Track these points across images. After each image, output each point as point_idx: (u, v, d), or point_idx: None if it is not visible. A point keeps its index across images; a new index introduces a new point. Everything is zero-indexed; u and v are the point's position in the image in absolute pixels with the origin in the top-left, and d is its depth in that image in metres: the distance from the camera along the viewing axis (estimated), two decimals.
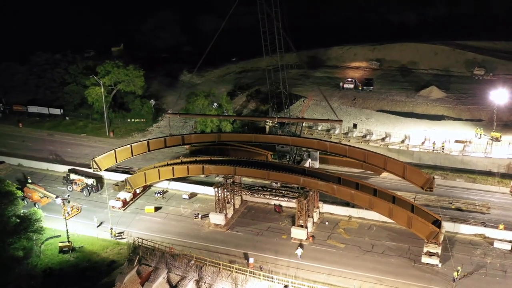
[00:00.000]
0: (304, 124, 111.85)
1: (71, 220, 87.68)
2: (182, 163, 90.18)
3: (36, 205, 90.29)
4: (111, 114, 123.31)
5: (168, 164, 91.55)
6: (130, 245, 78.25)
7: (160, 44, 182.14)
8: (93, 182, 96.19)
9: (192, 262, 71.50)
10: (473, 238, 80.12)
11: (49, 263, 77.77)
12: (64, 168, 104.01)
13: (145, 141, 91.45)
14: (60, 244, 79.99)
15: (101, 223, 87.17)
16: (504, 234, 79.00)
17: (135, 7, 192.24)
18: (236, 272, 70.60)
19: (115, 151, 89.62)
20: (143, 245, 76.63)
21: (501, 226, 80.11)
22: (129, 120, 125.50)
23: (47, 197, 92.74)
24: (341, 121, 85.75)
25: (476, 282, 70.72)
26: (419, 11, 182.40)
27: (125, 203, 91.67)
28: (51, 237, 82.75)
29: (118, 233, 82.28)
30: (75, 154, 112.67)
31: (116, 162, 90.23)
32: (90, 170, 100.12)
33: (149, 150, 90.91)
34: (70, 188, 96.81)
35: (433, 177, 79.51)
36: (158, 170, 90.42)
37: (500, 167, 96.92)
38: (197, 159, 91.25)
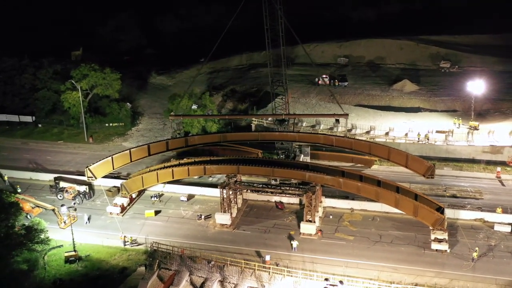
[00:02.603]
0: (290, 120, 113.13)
1: (69, 229, 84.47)
2: (181, 164, 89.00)
3: (28, 216, 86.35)
4: (88, 119, 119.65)
5: (165, 167, 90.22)
6: (147, 250, 76.62)
7: (121, 47, 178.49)
8: (86, 189, 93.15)
9: (213, 263, 70.72)
10: (473, 222, 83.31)
11: (57, 274, 74.74)
12: (49, 177, 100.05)
13: (145, 145, 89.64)
14: (66, 254, 77.03)
15: (89, 218, 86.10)
16: (502, 217, 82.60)
17: (93, 10, 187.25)
18: (259, 270, 70.42)
19: (112, 157, 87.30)
20: (160, 249, 75.04)
21: (498, 210, 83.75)
22: (106, 124, 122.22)
23: (39, 207, 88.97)
24: (347, 115, 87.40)
25: (486, 264, 73.59)
26: (376, 7, 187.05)
27: (123, 209, 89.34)
28: (53, 248, 79.52)
29: (133, 240, 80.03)
30: (56, 161, 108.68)
31: (113, 169, 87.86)
32: (78, 177, 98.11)
33: (149, 155, 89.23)
34: (60, 196, 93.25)
35: (434, 165, 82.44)
36: (157, 173, 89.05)
37: (485, 148, 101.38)
38: (196, 159, 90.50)
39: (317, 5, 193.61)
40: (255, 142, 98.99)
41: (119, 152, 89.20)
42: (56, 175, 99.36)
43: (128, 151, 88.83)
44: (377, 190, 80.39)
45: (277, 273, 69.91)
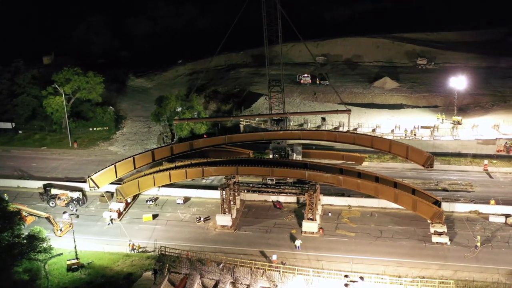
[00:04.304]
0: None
1: (65, 236, 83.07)
2: (178, 167, 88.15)
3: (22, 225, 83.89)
4: (71, 124, 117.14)
5: (161, 170, 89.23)
6: (151, 255, 75.77)
7: (94, 50, 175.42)
8: (79, 195, 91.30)
9: (222, 264, 70.53)
10: (468, 215, 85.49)
11: (61, 283, 73.14)
12: (37, 184, 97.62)
13: (149, 151, 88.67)
14: (68, 262, 75.37)
15: (111, 220, 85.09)
16: (496, 209, 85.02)
17: (63, 13, 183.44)
18: (269, 270, 70.59)
19: (115, 165, 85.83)
20: (167, 253, 74.31)
21: (492, 202, 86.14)
22: (90, 129, 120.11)
23: (32, 215, 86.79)
24: (350, 111, 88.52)
25: (486, 255, 75.66)
26: (348, 7, 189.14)
27: (120, 214, 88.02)
28: (53, 256, 77.61)
29: (141, 247, 78.94)
30: (42, 168, 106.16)
31: (117, 177, 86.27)
32: (68, 183, 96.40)
33: (154, 161, 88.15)
34: (52, 204, 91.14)
35: (433, 155, 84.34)
36: (153, 176, 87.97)
37: (478, 141, 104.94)
38: (193, 162, 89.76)
39: (289, 4, 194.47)
40: (245, 143, 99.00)
41: (122, 160, 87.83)
42: (45, 182, 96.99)
43: (131, 158, 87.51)
44: (377, 186, 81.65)
45: (288, 272, 70.16)
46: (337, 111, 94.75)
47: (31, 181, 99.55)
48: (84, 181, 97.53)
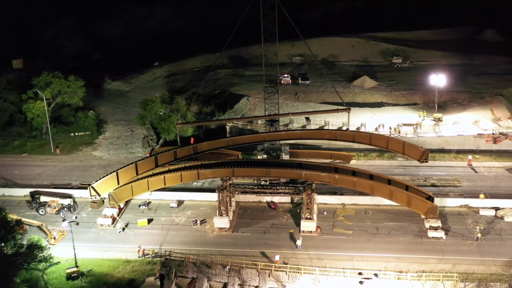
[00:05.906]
0: (259, 121, 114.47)
1: (59, 244, 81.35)
2: (172, 170, 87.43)
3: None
4: (52, 130, 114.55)
5: (154, 174, 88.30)
6: (158, 260, 75.16)
7: (66, 53, 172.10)
8: (71, 202, 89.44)
9: (228, 267, 70.41)
10: (459, 209, 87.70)
11: None
12: (24, 192, 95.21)
13: (152, 157, 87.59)
14: (68, 271, 73.73)
15: (123, 229, 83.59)
16: (485, 202, 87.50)
17: (31, 16, 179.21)
18: (276, 270, 70.86)
19: (117, 172, 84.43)
20: (171, 257, 73.65)
21: (481, 196, 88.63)
22: (72, 134, 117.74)
23: (23, 224, 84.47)
24: (349, 109, 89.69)
25: (481, 248, 77.81)
26: (321, 8, 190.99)
27: (113, 220, 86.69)
28: (51, 265, 75.85)
29: (155, 252, 77.87)
30: (25, 175, 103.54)
31: (119, 184, 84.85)
32: (55, 190, 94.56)
33: (157, 166, 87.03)
34: (42, 211, 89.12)
35: (428, 150, 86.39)
36: (147, 180, 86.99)
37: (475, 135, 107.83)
38: (187, 165, 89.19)
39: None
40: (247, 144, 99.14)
41: (124, 166, 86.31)
42: (32, 190, 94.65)
43: (134, 164, 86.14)
44: (372, 184, 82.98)
45: (294, 272, 70.57)
46: (337, 110, 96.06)
47: (16, 189, 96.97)
48: (72, 187, 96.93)
